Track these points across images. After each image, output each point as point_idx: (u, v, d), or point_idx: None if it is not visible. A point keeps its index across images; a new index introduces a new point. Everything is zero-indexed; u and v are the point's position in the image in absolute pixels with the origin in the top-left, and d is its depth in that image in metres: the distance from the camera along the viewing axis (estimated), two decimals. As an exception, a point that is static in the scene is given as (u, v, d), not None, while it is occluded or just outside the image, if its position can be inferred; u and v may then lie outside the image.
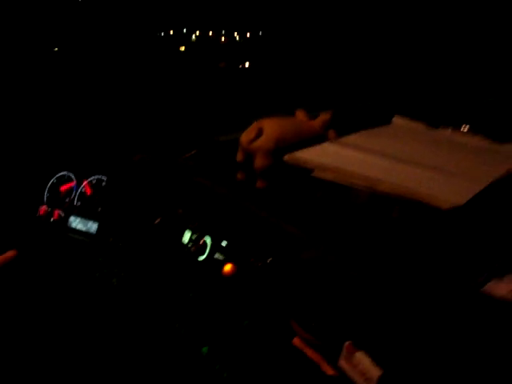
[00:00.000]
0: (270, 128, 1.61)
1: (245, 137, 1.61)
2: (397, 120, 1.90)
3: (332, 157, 1.51)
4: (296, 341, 1.23)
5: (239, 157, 1.64)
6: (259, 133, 1.59)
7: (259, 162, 1.59)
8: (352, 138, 1.68)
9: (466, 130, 1.86)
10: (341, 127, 1.78)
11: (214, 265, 1.46)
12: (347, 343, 1.11)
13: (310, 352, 1.20)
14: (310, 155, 1.51)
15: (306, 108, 1.80)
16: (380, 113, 2.03)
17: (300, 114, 1.76)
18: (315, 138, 1.68)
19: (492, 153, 1.70)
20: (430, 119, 1.92)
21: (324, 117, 1.73)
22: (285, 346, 1.25)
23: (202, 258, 1.51)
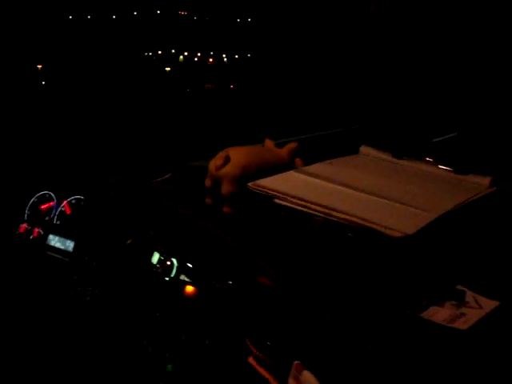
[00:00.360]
0: (237, 156, 1.68)
1: (213, 164, 1.68)
2: (363, 150, 1.97)
3: (293, 185, 1.59)
4: (251, 359, 1.30)
5: (207, 183, 1.70)
6: (226, 160, 1.66)
7: (226, 188, 1.65)
8: (316, 167, 1.76)
9: (430, 160, 1.93)
10: (309, 156, 1.85)
11: (179, 285, 1.53)
12: (296, 363, 1.17)
13: (262, 370, 1.26)
14: (272, 183, 1.58)
15: (286, 133, 1.87)
16: (350, 142, 2.10)
17: (268, 143, 1.83)
18: (282, 166, 1.75)
19: (452, 184, 1.77)
20: (397, 150, 1.99)
21: (291, 146, 1.81)
22: (241, 364, 1.31)
23: (168, 278, 1.57)
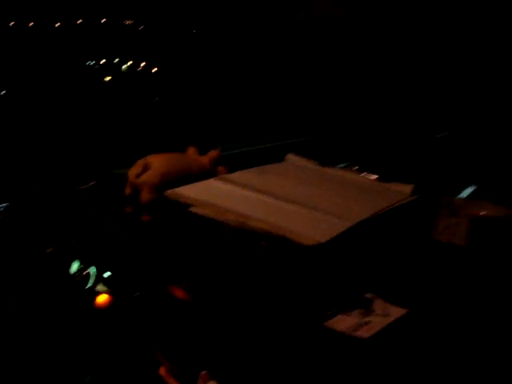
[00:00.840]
0: (157, 163, 1.66)
1: (132, 171, 1.66)
2: (289, 158, 1.97)
3: (211, 193, 1.58)
4: (161, 370, 1.28)
5: (127, 191, 1.68)
6: (146, 168, 1.64)
7: (145, 196, 1.63)
8: (237, 175, 1.75)
9: (354, 169, 1.94)
10: (236, 164, 1.85)
11: (95, 295, 1.50)
12: (203, 373, 1.16)
13: (172, 381, 1.25)
14: (188, 191, 1.57)
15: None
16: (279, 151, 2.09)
17: (190, 150, 1.81)
18: (204, 174, 1.74)
19: (374, 192, 1.77)
20: (325, 158, 1.99)
21: (212, 154, 1.80)
22: (152, 375, 1.30)
23: (86, 287, 1.55)
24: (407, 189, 1.78)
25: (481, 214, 1.69)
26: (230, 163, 1.87)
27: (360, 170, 1.94)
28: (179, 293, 1.32)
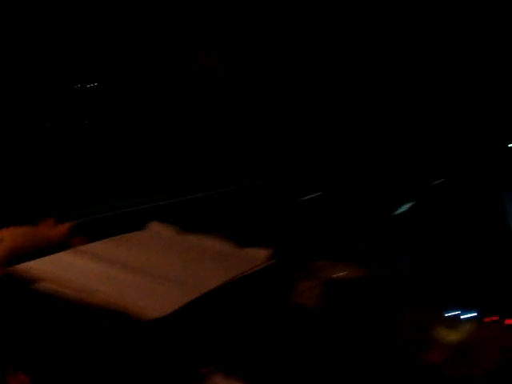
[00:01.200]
0: (8, 237, 1.63)
1: (-19, 249, 1.63)
2: (150, 225, 1.96)
3: (58, 267, 1.55)
4: None
5: (-24, 267, 1.64)
6: (-3, 241, 1.62)
7: (-7, 271, 1.60)
8: (91, 246, 1.72)
9: (216, 234, 1.94)
10: (98, 232, 1.83)
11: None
12: None
13: None
14: (35, 266, 1.55)
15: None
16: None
17: (46, 222, 1.79)
18: (60, 246, 1.72)
19: (229, 258, 1.78)
20: (188, 222, 1.99)
21: (67, 225, 1.78)
22: None
23: None
24: (265, 253, 1.79)
25: (337, 275, 1.72)
26: (92, 231, 1.85)
27: (221, 236, 1.94)
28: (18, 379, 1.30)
